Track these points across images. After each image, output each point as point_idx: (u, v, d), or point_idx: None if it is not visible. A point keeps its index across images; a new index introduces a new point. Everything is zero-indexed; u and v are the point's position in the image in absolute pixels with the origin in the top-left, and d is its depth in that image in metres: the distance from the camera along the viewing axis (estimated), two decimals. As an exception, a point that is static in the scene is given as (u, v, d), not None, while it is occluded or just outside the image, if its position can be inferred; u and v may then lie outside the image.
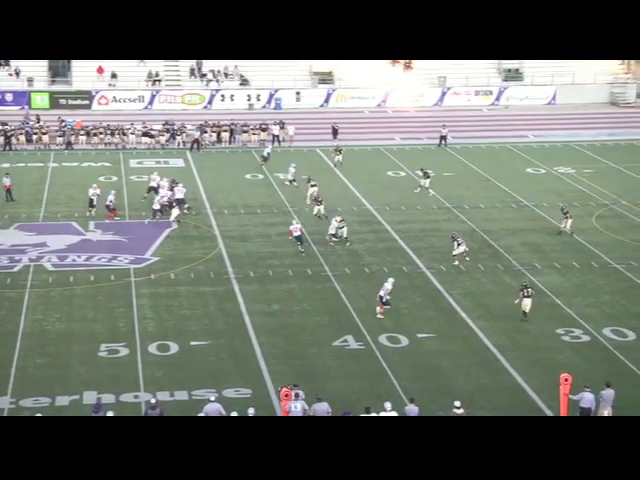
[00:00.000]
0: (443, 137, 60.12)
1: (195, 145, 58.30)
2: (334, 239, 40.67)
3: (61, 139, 58.39)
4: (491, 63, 72.89)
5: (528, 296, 33.21)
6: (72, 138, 58.61)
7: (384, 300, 33.35)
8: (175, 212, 43.39)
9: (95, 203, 44.49)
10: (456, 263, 38.38)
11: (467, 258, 38.69)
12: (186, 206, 44.87)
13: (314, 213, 44.01)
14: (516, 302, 33.33)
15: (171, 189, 45.43)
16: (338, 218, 41.13)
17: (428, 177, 48.83)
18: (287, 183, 49.75)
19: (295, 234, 40.39)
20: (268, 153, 54.55)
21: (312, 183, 46.44)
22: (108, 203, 44.23)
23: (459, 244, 38.66)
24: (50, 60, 68.72)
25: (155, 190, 45.98)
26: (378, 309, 33.32)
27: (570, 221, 41.89)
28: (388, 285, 33.57)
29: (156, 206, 43.94)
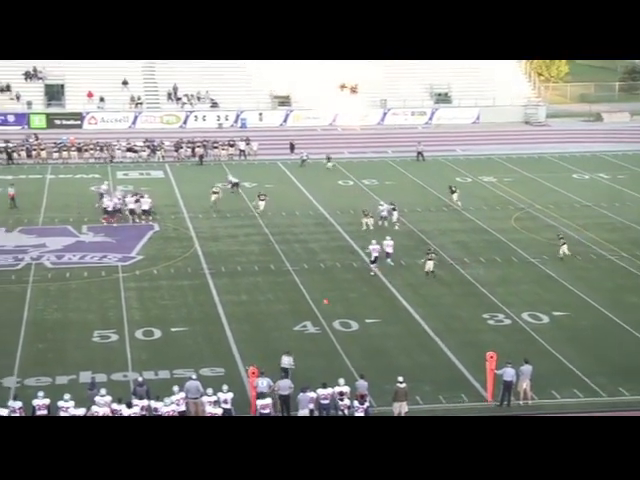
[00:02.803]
0: (420, 152, 59.82)
1: (200, 159, 58.08)
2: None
3: (99, 153, 58.32)
4: (424, 88, 73.14)
5: (430, 259, 36.32)
6: (117, 153, 58.40)
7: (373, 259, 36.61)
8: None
9: (105, 200, 44.26)
10: (371, 228, 42.33)
11: (380, 223, 42.93)
12: (150, 218, 44.24)
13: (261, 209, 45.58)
14: (422, 261, 36.94)
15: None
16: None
17: (454, 192, 47.75)
18: (381, 220, 43.56)
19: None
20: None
21: (262, 197, 46.07)
22: (110, 209, 43.85)
23: (371, 217, 42.83)
24: (46, 86, 68.24)
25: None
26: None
27: (565, 246, 38.65)
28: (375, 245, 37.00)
29: (145, 207, 44.04)
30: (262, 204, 45.54)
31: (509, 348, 28.88)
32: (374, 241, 37.61)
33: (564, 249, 38.70)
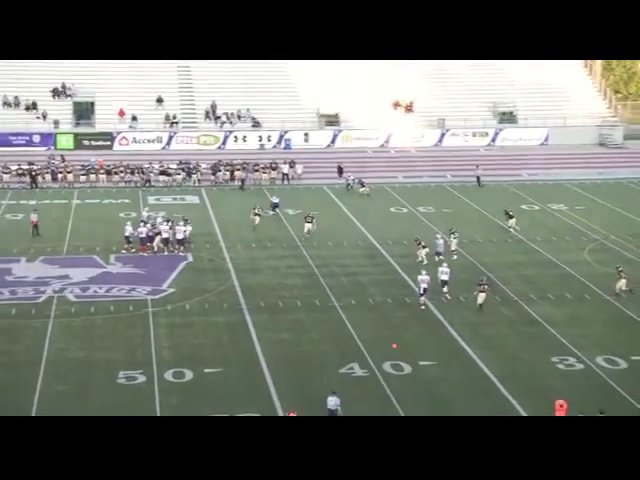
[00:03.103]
0: (478, 177, 60.04)
1: (241, 183, 58.82)
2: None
3: (138, 176, 59.23)
4: (487, 106, 72.82)
5: (482, 291, 36.25)
6: (151, 177, 59.21)
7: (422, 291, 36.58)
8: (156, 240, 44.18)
9: (128, 228, 44.51)
10: (425, 262, 41.55)
11: (437, 259, 41.74)
12: (182, 247, 44.23)
13: (305, 231, 46.30)
14: (475, 293, 36.72)
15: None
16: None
17: (512, 217, 48.12)
18: (437, 258, 42.30)
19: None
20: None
21: (309, 219, 46.65)
22: (143, 236, 44.13)
23: (424, 247, 42.34)
24: (75, 104, 69.04)
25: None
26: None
27: (624, 281, 38.21)
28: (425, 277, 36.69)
29: (179, 236, 44.19)
30: (308, 226, 45.97)
31: (581, 396, 28.29)
32: (424, 271, 37.32)
33: (621, 284, 38.14)
